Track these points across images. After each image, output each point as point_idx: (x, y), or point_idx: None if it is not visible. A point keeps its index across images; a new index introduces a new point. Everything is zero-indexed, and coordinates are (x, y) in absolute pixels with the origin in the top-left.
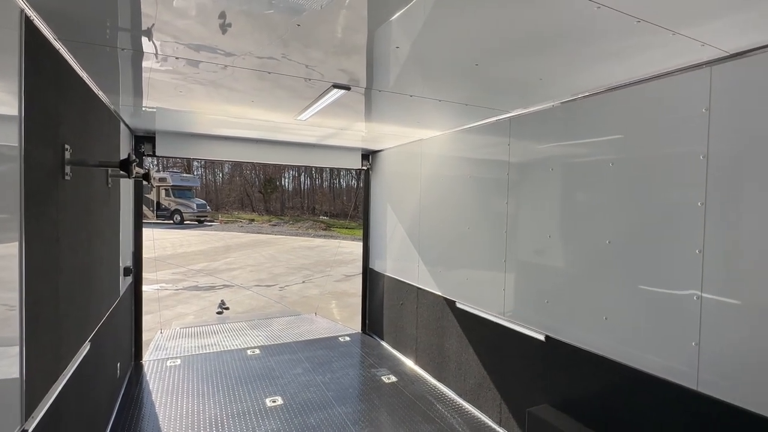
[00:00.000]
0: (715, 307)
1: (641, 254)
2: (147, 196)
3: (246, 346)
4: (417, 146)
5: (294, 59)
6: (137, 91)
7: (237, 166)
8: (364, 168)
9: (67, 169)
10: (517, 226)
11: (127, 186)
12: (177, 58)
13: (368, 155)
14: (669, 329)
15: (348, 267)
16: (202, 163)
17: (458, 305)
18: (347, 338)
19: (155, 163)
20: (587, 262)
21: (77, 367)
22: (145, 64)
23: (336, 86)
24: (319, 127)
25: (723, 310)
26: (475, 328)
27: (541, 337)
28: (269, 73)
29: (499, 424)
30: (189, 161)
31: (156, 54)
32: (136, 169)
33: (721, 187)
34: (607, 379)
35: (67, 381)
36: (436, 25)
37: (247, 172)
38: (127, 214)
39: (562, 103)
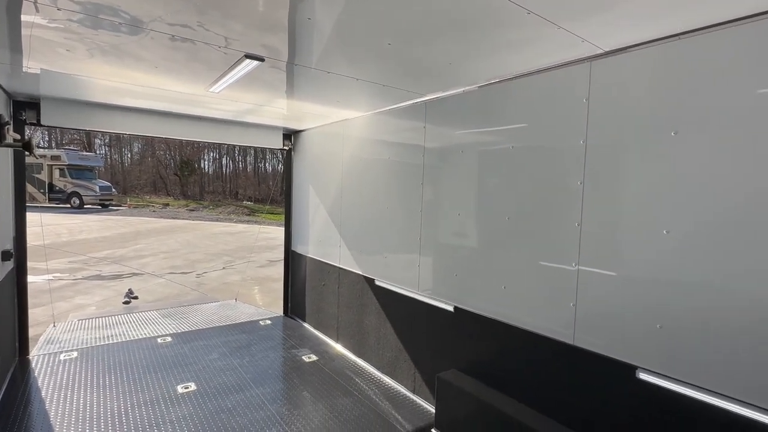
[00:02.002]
0: (588, 272)
1: (534, 228)
2: (36, 176)
3: (156, 335)
4: (339, 127)
5: (212, 30)
6: (15, 48)
7: (148, 145)
8: (286, 148)
9: None
10: (430, 206)
11: (2, 157)
12: (68, 15)
13: (290, 135)
14: (553, 294)
15: (272, 252)
16: (106, 140)
17: (377, 283)
18: (268, 322)
19: (47, 139)
20: (490, 238)
21: None
22: (25, 17)
23: (248, 56)
24: (235, 102)
25: (593, 275)
26: (393, 304)
27: (451, 308)
28: (183, 41)
29: (413, 391)
30: (90, 138)
31: (35, 4)
32: (11, 135)
33: (595, 169)
34: (505, 342)
35: None
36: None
37: (161, 152)
38: (4, 191)
39: (472, 89)
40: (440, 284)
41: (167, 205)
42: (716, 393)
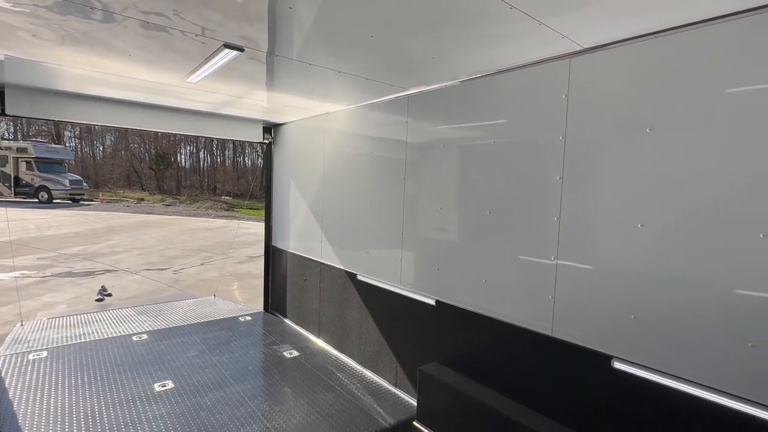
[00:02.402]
0: (565, 266)
1: (514, 223)
2: (1, 169)
3: (131, 332)
4: (321, 120)
5: (188, 19)
6: None
7: (122, 138)
8: (266, 141)
9: None
10: (413, 201)
11: None
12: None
13: (270, 128)
14: (532, 287)
15: (252, 248)
16: (76, 132)
17: (359, 278)
18: (248, 318)
19: (12, 130)
20: (471, 232)
21: None
22: None
23: (227, 46)
24: (213, 93)
25: (571, 269)
26: (375, 298)
27: (432, 302)
28: (158, 30)
29: (395, 385)
30: (59, 129)
31: None
32: None
33: (574, 164)
34: (485, 334)
35: None
36: None
37: (135, 145)
38: None
39: (454, 84)
40: (422, 278)
41: (142, 199)
42: (687, 380)
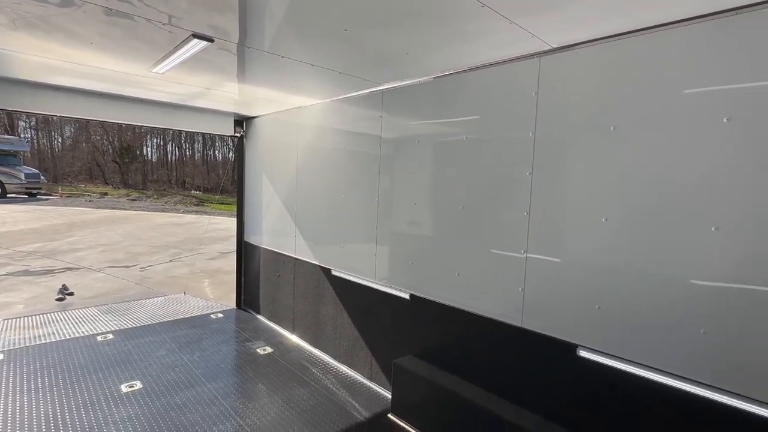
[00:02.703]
0: (535, 259)
1: (486, 217)
2: None
3: (95, 332)
4: (294, 114)
5: (153, 6)
6: None
7: (83, 129)
8: (238, 135)
9: None
10: (387, 196)
11: None
12: None
13: (242, 121)
14: (504, 280)
15: (224, 244)
16: (32, 122)
17: (334, 273)
18: (220, 315)
19: None
20: (445, 226)
21: None
22: None
23: (196, 36)
24: (181, 84)
25: (540, 262)
26: (349, 293)
27: (407, 296)
28: (121, 17)
29: (370, 379)
30: (12, 120)
31: None
32: None
33: (543, 161)
34: (459, 327)
35: None
36: None
37: (97, 137)
38: None
39: (427, 80)
40: (396, 272)
41: (105, 194)
42: (646, 366)
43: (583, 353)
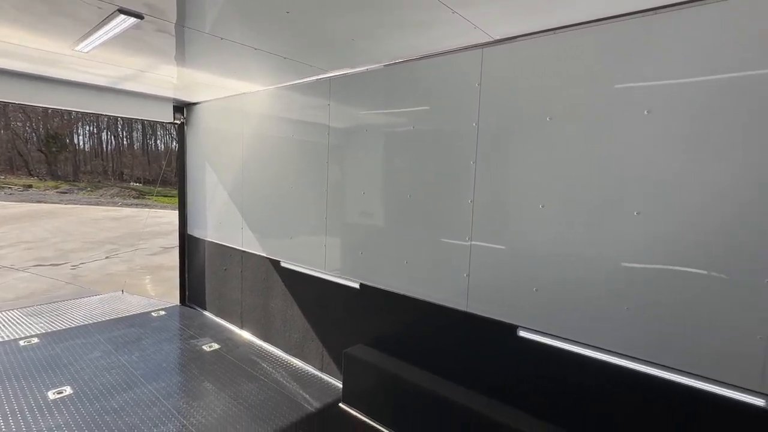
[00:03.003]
0: (478, 246)
1: (433, 206)
2: None
3: (17, 337)
4: (239, 101)
5: None
6: None
7: (0, 114)
8: (178, 122)
9: None
10: (336, 186)
11: None
12: None
13: (183, 108)
14: (450, 267)
15: (166, 238)
16: None
17: (283, 265)
18: (162, 312)
19: None
20: (393, 215)
21: None
22: None
23: (123, 11)
24: (113, 66)
25: (483, 248)
26: (299, 285)
27: (357, 285)
28: None
29: (321, 370)
30: None
31: None
32: None
33: (486, 150)
34: (408, 314)
35: None
36: None
37: (18, 123)
38: None
39: (376, 68)
40: (347, 262)
41: (30, 186)
42: (581, 343)
43: (522, 333)
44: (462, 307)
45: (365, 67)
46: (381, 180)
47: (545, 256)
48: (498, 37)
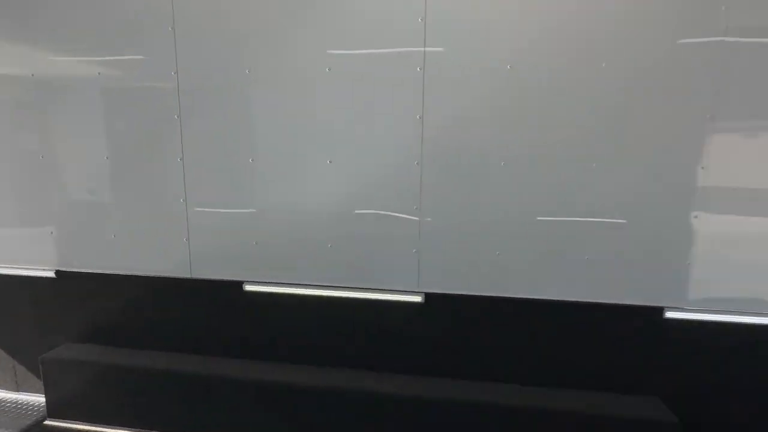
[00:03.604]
0: (195, 207)
1: (138, 167)
2: None
3: None
4: None
5: None
6: None
7: None
8: None
9: None
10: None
11: None
12: None
13: None
14: (166, 233)
15: None
16: None
17: None
18: None
19: None
20: (91, 183)
21: None
22: None
23: None
24: None
25: (199, 209)
26: None
27: (51, 274)
28: None
29: (18, 389)
30: None
31: None
32: None
33: (189, 104)
34: (127, 293)
35: None
36: None
37: None
38: None
39: None
40: (32, 247)
41: None
42: (297, 284)
43: (248, 287)
44: (186, 275)
45: None
46: (62, 140)
47: (260, 210)
48: None
